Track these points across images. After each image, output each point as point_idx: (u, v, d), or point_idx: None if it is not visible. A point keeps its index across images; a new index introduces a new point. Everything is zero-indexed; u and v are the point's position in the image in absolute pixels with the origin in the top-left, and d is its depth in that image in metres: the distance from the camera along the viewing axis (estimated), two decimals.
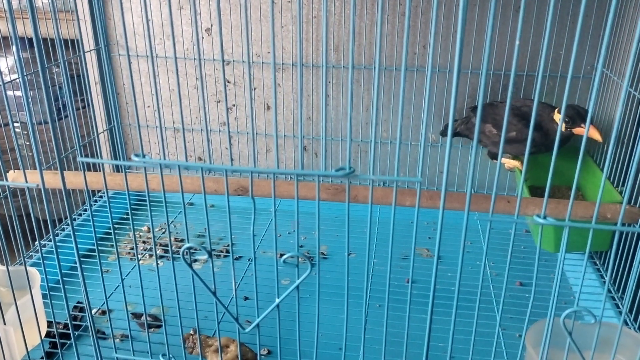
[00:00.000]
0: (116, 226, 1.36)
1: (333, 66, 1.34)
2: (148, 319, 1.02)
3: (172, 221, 1.40)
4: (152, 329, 1.01)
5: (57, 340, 0.80)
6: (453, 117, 0.49)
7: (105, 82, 1.43)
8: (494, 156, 1.27)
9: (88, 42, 1.37)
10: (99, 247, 1.06)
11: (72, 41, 1.40)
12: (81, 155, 0.58)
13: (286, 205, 1.35)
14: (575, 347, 0.55)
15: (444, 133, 1.34)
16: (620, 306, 1.04)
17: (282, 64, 1.36)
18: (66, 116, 1.53)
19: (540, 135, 1.13)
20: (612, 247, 0.54)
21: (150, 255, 1.25)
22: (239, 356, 0.74)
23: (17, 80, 1.33)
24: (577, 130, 1.09)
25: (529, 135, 0.49)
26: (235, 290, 0.61)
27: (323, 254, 1.26)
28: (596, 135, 1.05)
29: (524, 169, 0.56)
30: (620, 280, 1.07)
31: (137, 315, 1.04)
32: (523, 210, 0.90)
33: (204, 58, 1.38)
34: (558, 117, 1.10)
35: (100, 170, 1.44)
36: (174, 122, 1.47)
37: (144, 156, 0.52)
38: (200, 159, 1.51)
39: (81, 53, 1.01)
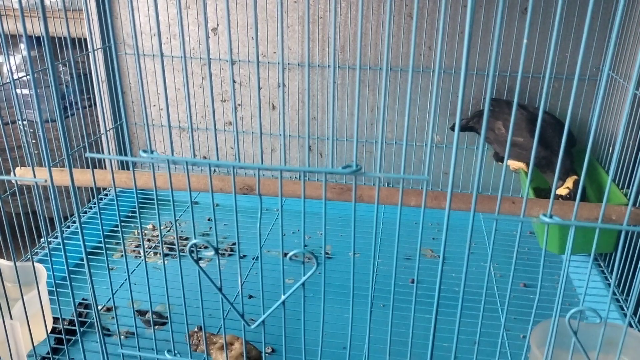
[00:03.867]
0: (122, 224, 1.37)
1: (338, 66, 1.34)
2: (153, 316, 1.02)
3: (177, 219, 1.41)
4: (157, 326, 1.01)
5: (63, 336, 0.80)
6: (460, 115, 0.49)
7: (112, 81, 1.43)
8: (499, 158, 1.27)
9: (95, 41, 1.38)
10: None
11: (79, 40, 1.41)
12: (87, 153, 0.59)
13: (290, 205, 1.36)
14: (580, 347, 0.55)
15: (454, 128, 1.34)
16: (625, 308, 1.03)
17: (288, 64, 1.36)
18: (72, 114, 1.54)
19: (546, 154, 1.13)
20: (618, 248, 0.55)
21: (155, 253, 1.25)
22: (243, 354, 0.74)
23: (24, 78, 1.33)
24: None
25: (534, 146, 0.50)
26: (242, 287, 0.61)
27: (328, 253, 1.26)
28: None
29: (529, 171, 0.56)
30: (625, 283, 1.06)
31: (142, 313, 1.04)
32: (528, 212, 0.90)
33: (210, 57, 1.38)
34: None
35: (105, 168, 1.45)
36: (179, 121, 1.47)
37: (151, 152, 0.52)
38: (205, 157, 1.51)
39: (89, 52, 1.01)
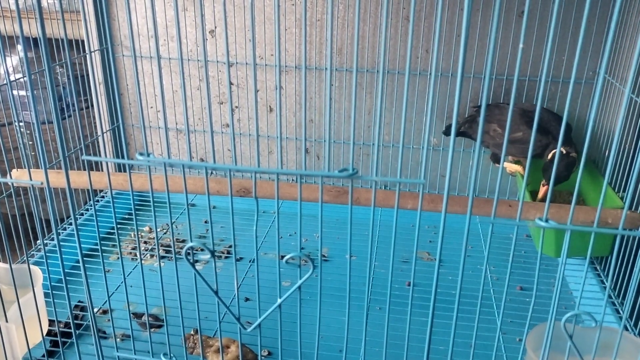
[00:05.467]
0: (118, 226, 1.37)
1: (336, 69, 1.34)
2: (149, 319, 1.02)
3: (174, 222, 1.41)
4: (153, 329, 1.01)
5: (58, 338, 0.80)
6: (456, 118, 0.50)
7: (109, 82, 1.43)
8: (497, 160, 1.27)
9: (92, 43, 1.38)
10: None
11: (76, 41, 1.41)
12: (84, 155, 0.59)
13: (287, 207, 1.36)
14: (576, 351, 0.55)
15: (447, 132, 1.34)
16: (621, 312, 1.04)
17: (285, 66, 1.36)
18: (69, 116, 1.54)
19: (548, 140, 1.14)
20: (613, 252, 0.55)
21: (152, 256, 1.25)
22: (240, 357, 0.74)
23: (21, 80, 1.33)
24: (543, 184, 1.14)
25: (532, 138, 0.50)
26: (238, 290, 0.61)
27: (324, 256, 1.26)
28: (540, 194, 1.12)
29: (525, 174, 0.56)
30: (620, 286, 1.07)
31: (137, 315, 1.04)
32: (524, 215, 0.91)
33: (207, 60, 1.38)
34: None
35: (102, 170, 1.44)
36: (176, 123, 1.47)
37: (148, 155, 0.52)
38: (202, 160, 1.51)
39: (86, 53, 1.01)
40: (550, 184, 0.54)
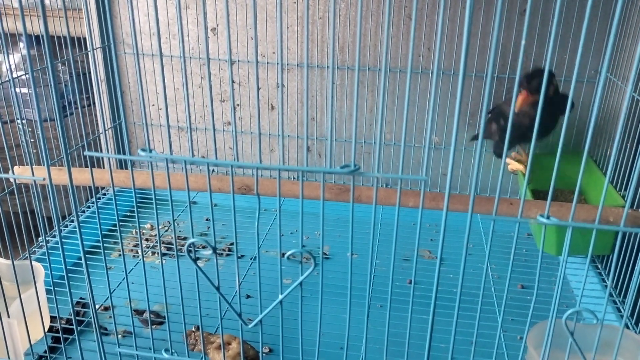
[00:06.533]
0: (120, 223, 1.37)
1: (338, 67, 1.34)
2: (150, 315, 1.02)
3: (176, 219, 1.41)
4: (155, 326, 1.01)
5: (60, 334, 0.80)
6: (458, 117, 0.50)
7: (111, 80, 1.43)
8: (499, 154, 1.28)
9: (94, 40, 1.38)
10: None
11: (79, 39, 1.41)
12: (86, 151, 0.59)
13: (288, 205, 1.36)
14: (577, 348, 0.55)
15: (475, 138, 1.35)
16: (621, 310, 1.04)
17: (287, 64, 1.36)
18: (71, 113, 1.54)
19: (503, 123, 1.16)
20: (615, 249, 0.55)
21: (153, 253, 1.25)
22: (241, 353, 0.74)
23: (23, 77, 1.33)
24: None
25: (536, 121, 0.50)
26: (239, 287, 0.61)
27: (325, 254, 1.26)
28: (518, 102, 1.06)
29: (527, 172, 0.56)
30: (621, 284, 1.07)
31: (139, 312, 1.04)
32: (526, 213, 0.91)
33: (209, 58, 1.38)
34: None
35: (104, 168, 1.45)
36: (178, 121, 1.47)
37: (150, 151, 0.52)
38: (203, 157, 1.51)
39: (88, 51, 1.01)
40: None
